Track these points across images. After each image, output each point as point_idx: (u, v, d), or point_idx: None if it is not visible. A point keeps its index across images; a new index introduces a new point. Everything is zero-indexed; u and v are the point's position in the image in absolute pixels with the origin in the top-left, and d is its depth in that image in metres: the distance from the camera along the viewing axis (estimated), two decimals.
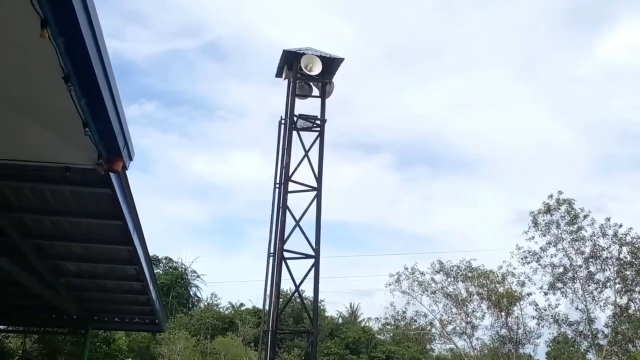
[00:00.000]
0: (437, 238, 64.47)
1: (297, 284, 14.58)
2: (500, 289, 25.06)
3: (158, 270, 47.49)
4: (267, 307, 14.30)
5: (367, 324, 43.58)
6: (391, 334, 38.50)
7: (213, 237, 75.79)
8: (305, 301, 20.45)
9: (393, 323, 29.94)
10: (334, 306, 72.92)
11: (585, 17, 59.45)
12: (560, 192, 23.75)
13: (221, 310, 44.86)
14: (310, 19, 54.87)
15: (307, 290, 43.82)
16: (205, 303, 46.02)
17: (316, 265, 14.44)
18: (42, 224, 7.98)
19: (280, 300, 15.69)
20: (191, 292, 47.56)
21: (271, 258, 14.27)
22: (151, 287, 10.51)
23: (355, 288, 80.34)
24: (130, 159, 6.18)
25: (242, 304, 44.93)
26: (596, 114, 56.79)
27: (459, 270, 26.22)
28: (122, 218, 7.21)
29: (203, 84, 74.68)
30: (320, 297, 47.24)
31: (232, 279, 72.05)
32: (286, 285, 14.51)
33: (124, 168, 6.04)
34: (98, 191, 6.70)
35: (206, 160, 72.63)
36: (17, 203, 7.20)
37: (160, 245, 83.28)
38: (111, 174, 6.31)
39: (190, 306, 45.89)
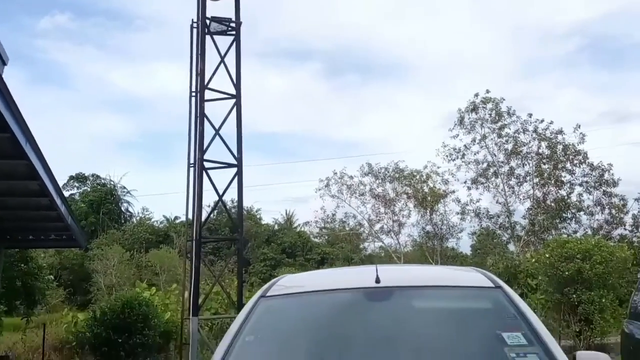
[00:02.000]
0: (368, 144, 65.41)
1: (221, 193, 14.41)
2: (425, 188, 25.95)
3: (86, 188, 46.36)
4: (190, 218, 14.17)
5: (302, 229, 44.61)
6: (326, 237, 39.65)
7: (141, 152, 73.92)
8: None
9: (324, 226, 30.74)
10: (270, 214, 73.97)
11: None
12: (487, 91, 24.25)
13: (155, 224, 44.65)
14: None
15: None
16: (138, 218, 45.56)
17: (239, 174, 14.23)
18: None
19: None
20: (122, 208, 46.86)
21: (191, 169, 13.95)
22: (59, 202, 10.01)
23: (290, 196, 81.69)
24: (4, 63, 5.61)
25: (176, 217, 44.80)
26: (521, 17, 57.15)
27: (387, 172, 26.87)
28: (9, 129, 6.64)
29: None
30: (256, 206, 47.74)
31: (163, 193, 71.49)
32: (212, 196, 14.34)
33: None
34: None
35: (128, 73, 69.25)
36: None
37: (86, 163, 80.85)
38: None
39: (123, 222, 45.37)
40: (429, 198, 25.61)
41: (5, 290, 13.46)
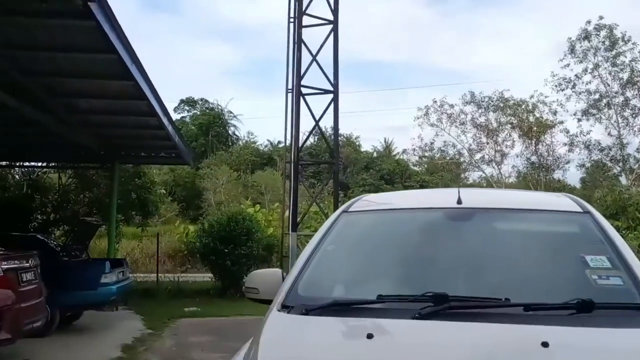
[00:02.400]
0: (471, 73, 62.52)
1: (317, 118, 14.71)
2: (531, 118, 24.80)
3: (195, 111, 48.54)
4: (288, 142, 14.70)
5: (401, 157, 44.43)
6: (425, 165, 39.28)
7: (246, 78, 75.77)
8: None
9: (422, 154, 30.41)
10: (369, 142, 73.93)
11: None
12: (600, 17, 22.32)
13: (260, 147, 46.27)
14: None
15: (341, 127, 44.38)
16: (244, 141, 47.35)
17: (335, 100, 14.41)
18: (37, 60, 8.07)
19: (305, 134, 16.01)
20: (229, 131, 48.78)
21: (289, 94, 14.29)
22: (165, 121, 10.76)
23: (390, 124, 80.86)
24: None
25: (279, 142, 46.11)
26: None
27: (490, 101, 25.86)
28: (115, 51, 7.20)
29: None
30: (355, 134, 48.00)
31: (266, 117, 73.23)
32: (311, 121, 14.66)
33: None
34: (83, 24, 6.65)
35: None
36: (3, 38, 7.23)
37: (195, 87, 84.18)
38: (93, 5, 6.21)
39: (230, 144, 47.35)
40: (534, 128, 24.49)
41: (121, 202, 14.81)
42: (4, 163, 15.79)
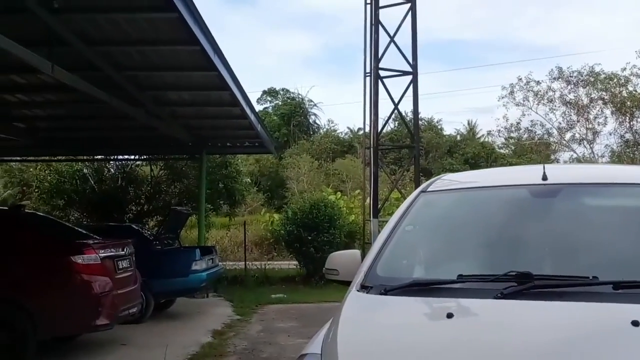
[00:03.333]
0: (558, 47, 59.38)
1: (397, 101, 14.54)
2: (624, 93, 23.26)
3: (277, 102, 49.31)
4: (367, 128, 14.61)
5: (485, 140, 43.11)
6: (511, 148, 37.89)
7: (326, 65, 75.93)
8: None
9: (508, 135, 29.28)
10: (451, 125, 72.22)
11: None
12: None
13: (340, 135, 46.42)
14: None
15: (421, 110, 43.59)
16: (324, 129, 47.66)
17: (414, 82, 14.18)
18: (129, 55, 8.46)
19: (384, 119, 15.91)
20: (310, 120, 49.24)
21: (367, 78, 14.20)
22: (248, 111, 10.99)
23: (473, 105, 78.55)
24: None
25: (359, 129, 46.00)
26: None
27: (580, 76, 24.46)
28: (198, 42, 7.42)
29: None
30: (436, 117, 47.02)
31: (347, 103, 73.19)
32: (390, 105, 14.51)
33: None
34: (167, 16, 6.90)
35: None
36: (99, 35, 7.63)
37: (277, 78, 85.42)
38: None
39: (311, 133, 47.80)
40: (628, 103, 22.96)
41: (209, 191, 15.33)
42: (100, 157, 16.78)
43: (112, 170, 17.52)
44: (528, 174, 3.40)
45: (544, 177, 2.98)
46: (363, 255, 3.10)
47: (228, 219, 17.93)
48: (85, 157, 16.54)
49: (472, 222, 3.15)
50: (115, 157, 16.88)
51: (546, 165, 3.12)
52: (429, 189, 3.38)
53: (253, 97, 48.16)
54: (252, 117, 11.60)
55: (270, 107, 49.12)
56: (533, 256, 2.71)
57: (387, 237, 2.99)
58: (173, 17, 6.78)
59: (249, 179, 20.28)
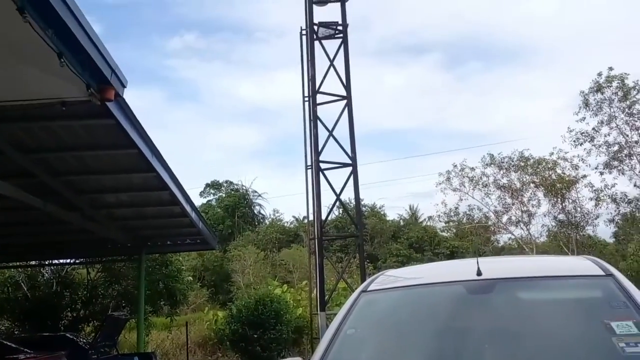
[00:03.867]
0: (491, 134, 62.89)
1: (338, 192, 14.78)
2: (554, 176, 24.53)
3: (221, 194, 49.22)
4: (311, 218, 14.69)
5: (428, 224, 44.05)
6: (453, 230, 38.80)
7: (270, 157, 77.05)
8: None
9: (447, 220, 30.10)
10: (394, 210, 73.79)
11: None
12: (610, 69, 22.47)
13: (285, 224, 46.39)
14: None
15: (364, 197, 44.17)
16: (269, 219, 47.59)
17: (354, 173, 14.54)
18: (65, 160, 8.34)
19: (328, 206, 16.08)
20: (255, 211, 49.18)
21: (309, 170, 14.48)
22: (188, 209, 10.91)
23: (414, 191, 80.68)
24: (123, 85, 6.25)
25: (305, 217, 46.21)
26: None
27: (510, 161, 25.76)
28: (135, 146, 7.41)
29: (239, 6, 73.29)
30: (379, 203, 47.88)
31: (292, 193, 73.87)
32: (333, 195, 14.76)
33: (117, 96, 6.15)
34: (104, 122, 6.89)
35: (253, 83, 72.58)
36: (34, 143, 7.52)
37: (221, 171, 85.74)
38: (111, 104, 6.46)
39: (256, 224, 47.59)
40: (558, 185, 24.17)
41: (149, 292, 14.80)
42: (33, 262, 16.03)
43: (46, 275, 16.74)
44: (463, 268, 3.46)
45: (479, 273, 3.05)
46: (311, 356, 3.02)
47: (169, 320, 17.20)
48: (18, 263, 15.78)
49: (413, 322, 3.15)
50: (50, 261, 16.18)
51: (480, 260, 3.21)
52: (369, 288, 3.39)
53: (196, 191, 48.05)
54: (193, 214, 11.49)
55: (214, 200, 48.92)
56: (473, 354, 2.74)
57: (329, 341, 2.93)
58: (110, 124, 6.79)
59: (190, 277, 19.75)
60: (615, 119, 22.30)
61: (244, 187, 48.58)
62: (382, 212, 46.83)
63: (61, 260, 16.05)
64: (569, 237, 25.18)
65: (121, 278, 15.57)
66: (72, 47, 4.95)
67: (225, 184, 49.81)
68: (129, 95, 6.52)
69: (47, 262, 16.22)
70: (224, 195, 48.87)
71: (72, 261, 16.09)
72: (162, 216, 12.08)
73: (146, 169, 8.40)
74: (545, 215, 25.50)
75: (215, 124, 75.18)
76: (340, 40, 14.96)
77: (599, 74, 22.51)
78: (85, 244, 13.47)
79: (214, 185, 49.62)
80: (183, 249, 16.13)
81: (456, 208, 28.11)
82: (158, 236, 14.20)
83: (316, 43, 14.77)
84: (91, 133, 7.43)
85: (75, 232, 11.62)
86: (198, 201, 47.19)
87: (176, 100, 76.09)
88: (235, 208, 46.16)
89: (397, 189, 72.23)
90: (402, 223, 46.78)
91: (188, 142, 69.80)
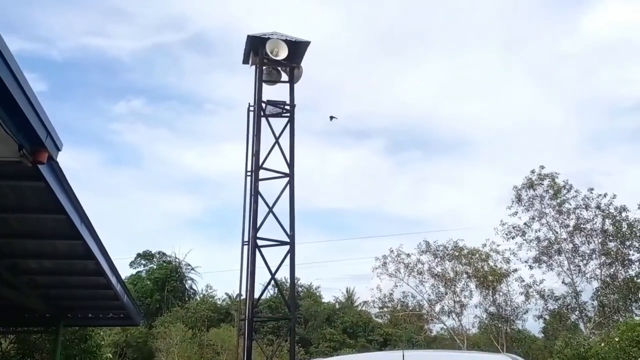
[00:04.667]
0: (428, 221, 64.51)
1: (273, 271, 14.53)
2: (485, 267, 25.11)
3: (152, 265, 47.54)
4: (243, 296, 14.28)
5: (363, 308, 43.74)
6: (387, 317, 38.62)
7: (207, 229, 75.66)
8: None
9: (382, 306, 30.04)
10: (330, 292, 73.22)
11: None
12: (542, 167, 23.76)
13: (217, 301, 45.03)
14: (295, 7, 54.46)
15: (300, 277, 43.64)
16: (201, 295, 46.09)
17: (291, 252, 14.38)
18: None
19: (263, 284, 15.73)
20: (187, 285, 47.60)
21: (245, 246, 14.22)
22: (114, 281, 10.40)
23: (351, 273, 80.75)
24: (58, 149, 6.05)
25: (238, 294, 45.03)
26: (585, 90, 56.75)
27: (445, 250, 26.25)
28: (64, 211, 7.10)
29: (189, 77, 74.17)
30: (315, 284, 47.49)
31: (227, 269, 72.29)
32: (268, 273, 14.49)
33: (51, 159, 5.93)
34: (33, 185, 6.58)
35: (197, 153, 72.31)
36: None
37: (155, 241, 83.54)
38: (42, 167, 6.21)
39: (187, 299, 45.96)
40: (490, 277, 24.71)
41: None
42: None
43: None
44: None
45: None
46: None
47: None
48: None
49: None
50: None
51: (405, 352, 3.27)
52: None
53: (126, 261, 46.26)
54: (118, 287, 10.96)
55: (144, 271, 47.14)
56: None
57: None
58: (40, 186, 6.50)
59: (110, 355, 18.55)
60: (546, 216, 23.34)
61: (177, 260, 47.21)
62: (317, 294, 46.32)
63: None
64: (499, 330, 25.47)
65: (35, 351, 14.43)
66: (8, 106, 4.80)
67: (157, 255, 48.23)
68: (65, 157, 6.32)
69: None
70: (155, 267, 47.21)
71: None
72: (86, 286, 11.43)
73: (73, 236, 8.01)
74: (477, 307, 25.86)
75: (155, 191, 73.83)
76: (287, 119, 15.25)
77: (532, 172, 23.74)
78: (1, 312, 12.52)
79: (146, 256, 47.96)
80: (105, 323, 15.22)
81: (391, 294, 28.10)
82: (79, 307, 13.38)
83: (263, 120, 14.99)
84: (18, 194, 7.06)
85: None
86: (127, 272, 45.44)
87: (117, 165, 74.69)
88: (166, 281, 44.58)
89: (334, 270, 72.21)
90: (337, 306, 46.28)
91: (124, 208, 67.92)
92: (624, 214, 22.13)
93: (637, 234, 21.69)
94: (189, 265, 47.65)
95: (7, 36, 4.32)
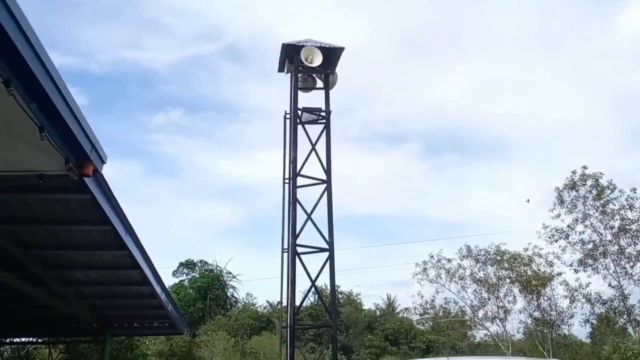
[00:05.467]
0: (469, 224, 63.60)
1: (313, 278, 14.55)
2: (528, 271, 24.53)
3: (194, 274, 48.10)
4: (284, 304, 14.34)
5: (404, 315, 43.30)
6: (429, 324, 38.12)
7: (247, 237, 76.34)
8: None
9: (423, 312, 29.65)
10: (371, 299, 72.83)
11: None
12: (584, 167, 23.12)
13: (258, 309, 45.24)
14: (325, 13, 54.71)
15: (340, 284, 43.37)
16: (242, 303, 46.40)
17: (331, 258, 14.39)
18: (36, 234, 8.11)
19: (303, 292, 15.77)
20: (228, 293, 47.99)
21: (285, 254, 14.29)
22: (158, 290, 10.59)
23: (392, 279, 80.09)
24: (102, 161, 6.20)
25: (279, 302, 45.17)
26: (623, 87, 55.18)
27: (487, 255, 25.78)
28: (110, 223, 7.26)
29: (225, 87, 75.38)
30: (356, 291, 47.32)
31: (267, 277, 72.57)
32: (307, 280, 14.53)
33: (96, 171, 6.09)
34: (79, 197, 6.76)
35: (234, 162, 73.23)
36: (6, 215, 7.33)
37: (197, 249, 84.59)
38: (88, 179, 6.38)
39: (229, 307, 46.33)
40: (533, 282, 24.13)
41: None
42: None
43: (6, 354, 15.90)
44: None
45: None
46: None
47: None
48: None
49: None
50: (11, 339, 15.39)
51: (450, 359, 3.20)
52: None
53: (169, 270, 46.94)
54: (163, 296, 11.15)
55: (187, 280, 47.76)
56: None
57: None
58: (85, 199, 6.67)
59: None
60: (590, 217, 22.67)
61: (218, 268, 47.69)
62: (358, 300, 46.06)
63: (23, 339, 15.31)
64: (544, 336, 24.84)
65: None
66: (54, 121, 4.93)
67: (199, 264, 48.80)
68: (107, 169, 6.48)
69: (6, 341, 15.42)
70: (197, 275, 47.77)
71: (34, 340, 15.33)
72: (131, 296, 11.68)
73: (118, 246, 8.19)
74: (521, 312, 25.28)
75: (194, 200, 74.91)
76: (323, 125, 15.31)
77: (574, 172, 23.13)
78: (50, 322, 12.87)
79: (188, 265, 48.60)
80: (150, 332, 15.52)
81: (432, 300, 27.72)
82: (125, 317, 13.68)
83: (299, 127, 15.09)
84: (65, 207, 7.27)
85: (40, 308, 11.15)
86: (170, 281, 46.10)
87: (156, 175, 76.18)
88: (208, 290, 45.03)
89: (374, 276, 71.70)
90: (378, 313, 45.92)
91: (165, 218, 69.22)
92: None
93: None
94: (230, 273, 48.10)
95: (50, 51, 4.46)
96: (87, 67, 67.65)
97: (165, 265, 45.94)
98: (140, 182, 69.49)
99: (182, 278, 47.89)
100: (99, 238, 8.31)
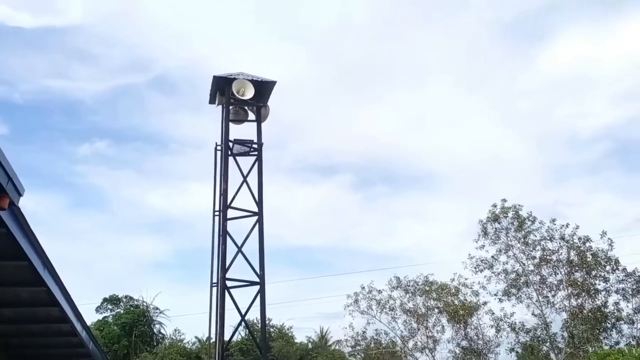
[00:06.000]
0: (399, 255, 64.73)
1: (243, 312, 14.31)
2: (455, 301, 25.15)
3: (119, 310, 46.24)
4: (212, 339, 14.01)
5: (336, 347, 43.15)
6: (360, 356, 38.13)
7: (175, 271, 74.23)
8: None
9: (354, 344, 29.67)
10: (303, 332, 72.20)
11: (526, 31, 61.42)
12: (504, 200, 24.16)
13: (187, 345, 43.87)
14: (259, 45, 55.19)
15: (272, 317, 42.88)
16: (170, 339, 44.88)
17: (261, 292, 14.21)
18: None
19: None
20: (155, 330, 46.35)
21: (214, 288, 13.99)
22: (79, 328, 10.07)
23: (324, 311, 79.78)
24: (19, 194, 5.93)
25: (208, 337, 43.99)
26: (544, 124, 58.52)
27: (416, 285, 26.26)
28: (26, 258, 6.91)
29: (154, 118, 74.07)
30: (288, 324, 46.81)
31: (196, 312, 70.73)
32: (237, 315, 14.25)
33: (12, 204, 5.82)
34: None
35: (163, 194, 71.58)
36: None
37: (122, 285, 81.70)
38: (3, 212, 6.07)
39: (155, 344, 44.69)
40: (460, 312, 24.75)
41: None
42: None
43: None
44: None
45: None
46: None
47: None
48: None
49: None
50: None
51: None
52: None
53: (92, 306, 44.97)
54: (84, 334, 10.61)
55: (111, 316, 45.81)
56: None
57: None
58: (1, 232, 6.34)
59: None
60: (512, 248, 23.63)
61: (144, 304, 46.07)
62: (290, 334, 45.55)
63: None
64: None
65: None
66: None
67: (124, 299, 46.94)
68: (27, 201, 6.20)
69: None
70: (122, 311, 45.92)
71: None
72: (49, 334, 11.05)
73: (36, 282, 7.77)
74: (449, 342, 25.77)
75: (120, 234, 72.44)
76: (255, 157, 15.28)
77: (494, 205, 24.11)
78: None
79: (112, 300, 46.66)
80: None
81: (364, 332, 27.84)
82: (43, 356, 12.91)
83: (230, 159, 14.99)
84: None
85: None
86: (94, 317, 44.12)
87: (81, 207, 73.32)
88: (134, 326, 43.34)
89: (306, 308, 71.32)
90: (310, 346, 45.54)
91: (90, 252, 66.53)
92: (587, 244, 22.59)
93: (602, 264, 22.12)
94: (157, 308, 46.55)
95: None
96: (9, 95, 64.88)
97: (89, 302, 44.03)
98: (64, 214, 66.85)
99: (105, 314, 45.93)
100: (15, 274, 7.86)
